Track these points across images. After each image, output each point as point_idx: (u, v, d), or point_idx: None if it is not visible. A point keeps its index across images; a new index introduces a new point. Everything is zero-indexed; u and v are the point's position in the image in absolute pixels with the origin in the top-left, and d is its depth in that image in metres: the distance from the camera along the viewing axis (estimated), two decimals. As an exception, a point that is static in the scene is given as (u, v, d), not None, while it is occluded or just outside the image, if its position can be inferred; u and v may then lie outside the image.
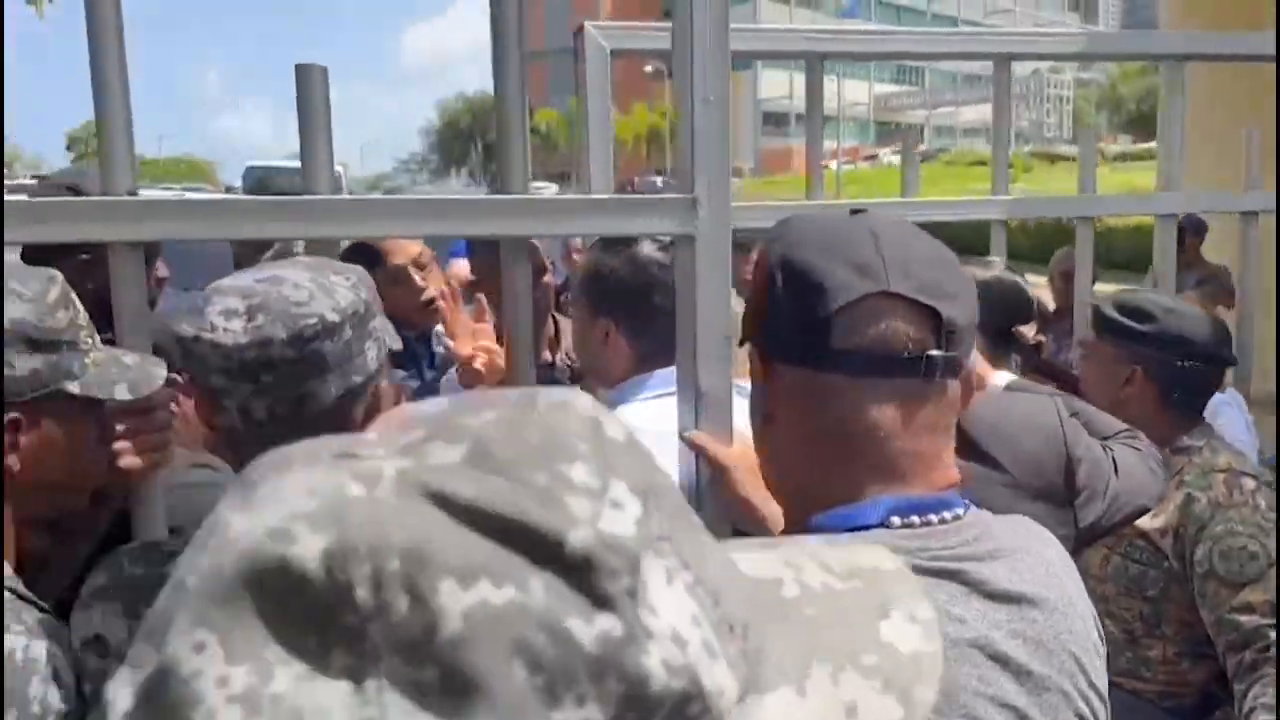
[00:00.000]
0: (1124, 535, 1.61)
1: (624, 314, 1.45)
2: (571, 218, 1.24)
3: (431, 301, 1.99)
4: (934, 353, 0.83)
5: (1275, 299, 2.06)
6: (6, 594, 0.98)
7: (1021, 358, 1.67)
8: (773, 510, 1.10)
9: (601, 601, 0.30)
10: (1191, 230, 4.19)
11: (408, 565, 0.29)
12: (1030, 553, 0.84)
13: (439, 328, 2.04)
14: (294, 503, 0.31)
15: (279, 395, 0.96)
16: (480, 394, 0.38)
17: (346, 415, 1.02)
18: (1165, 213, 2.05)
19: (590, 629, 0.29)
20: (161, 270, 1.90)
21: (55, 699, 0.92)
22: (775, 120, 60.54)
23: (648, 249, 1.46)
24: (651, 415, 1.36)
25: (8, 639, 0.93)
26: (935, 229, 1.01)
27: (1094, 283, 2.16)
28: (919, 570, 0.76)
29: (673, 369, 1.32)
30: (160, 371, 1.13)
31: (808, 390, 0.86)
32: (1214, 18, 5.39)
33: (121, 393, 1.06)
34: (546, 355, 2.08)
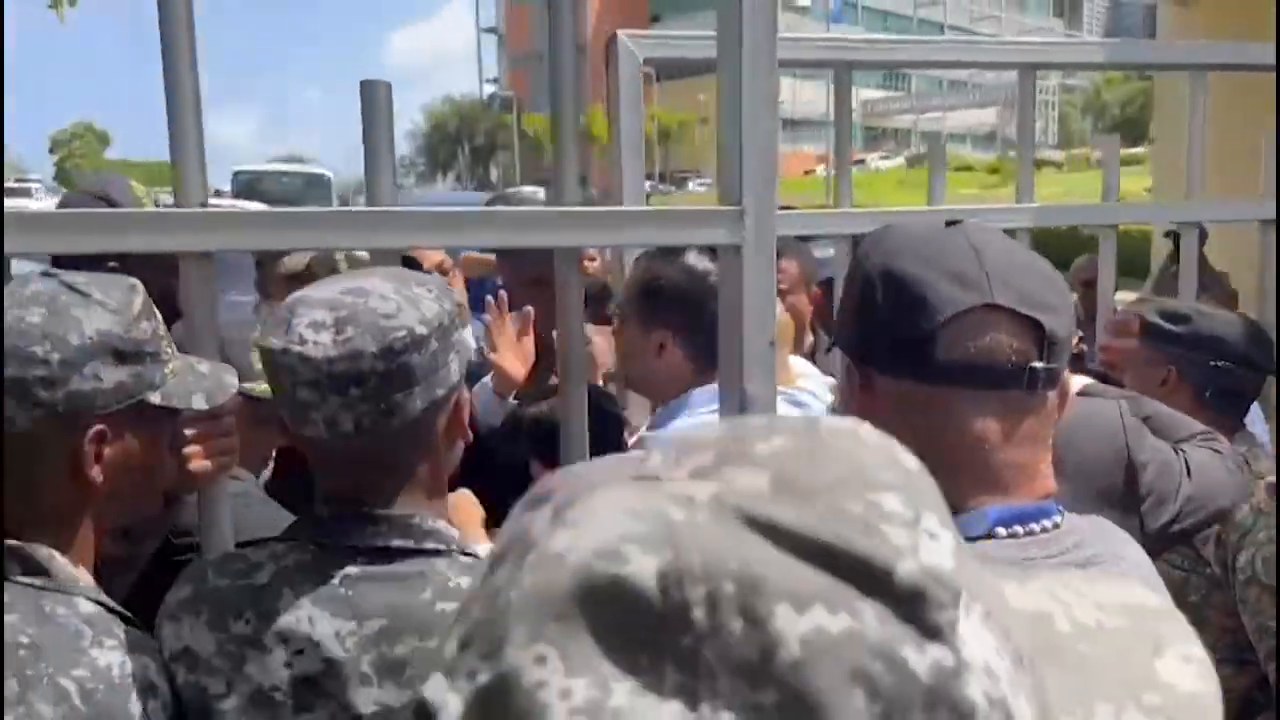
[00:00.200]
0: None
1: (681, 324, 1.47)
2: (622, 229, 1.27)
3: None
4: (1037, 365, 0.85)
5: (1275, 305, 2.10)
6: (100, 609, 1.00)
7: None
8: None
9: (931, 632, 0.30)
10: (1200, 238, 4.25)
11: (742, 589, 0.30)
12: (1122, 557, 0.87)
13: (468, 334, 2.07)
14: (620, 524, 0.32)
15: (366, 408, 0.97)
16: (750, 419, 0.38)
17: (430, 427, 1.03)
18: (1189, 220, 2.09)
19: (923, 659, 0.30)
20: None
21: (154, 712, 0.94)
22: (763, 125, 60.56)
23: (697, 259, 1.49)
24: None
25: (103, 654, 0.95)
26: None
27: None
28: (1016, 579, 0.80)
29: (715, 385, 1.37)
30: (233, 379, 1.15)
31: (910, 402, 0.87)
32: (1207, 28, 5.47)
33: (199, 402, 1.09)
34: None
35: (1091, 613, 0.41)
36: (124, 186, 1.82)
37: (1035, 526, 0.85)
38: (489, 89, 76.64)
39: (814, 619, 0.29)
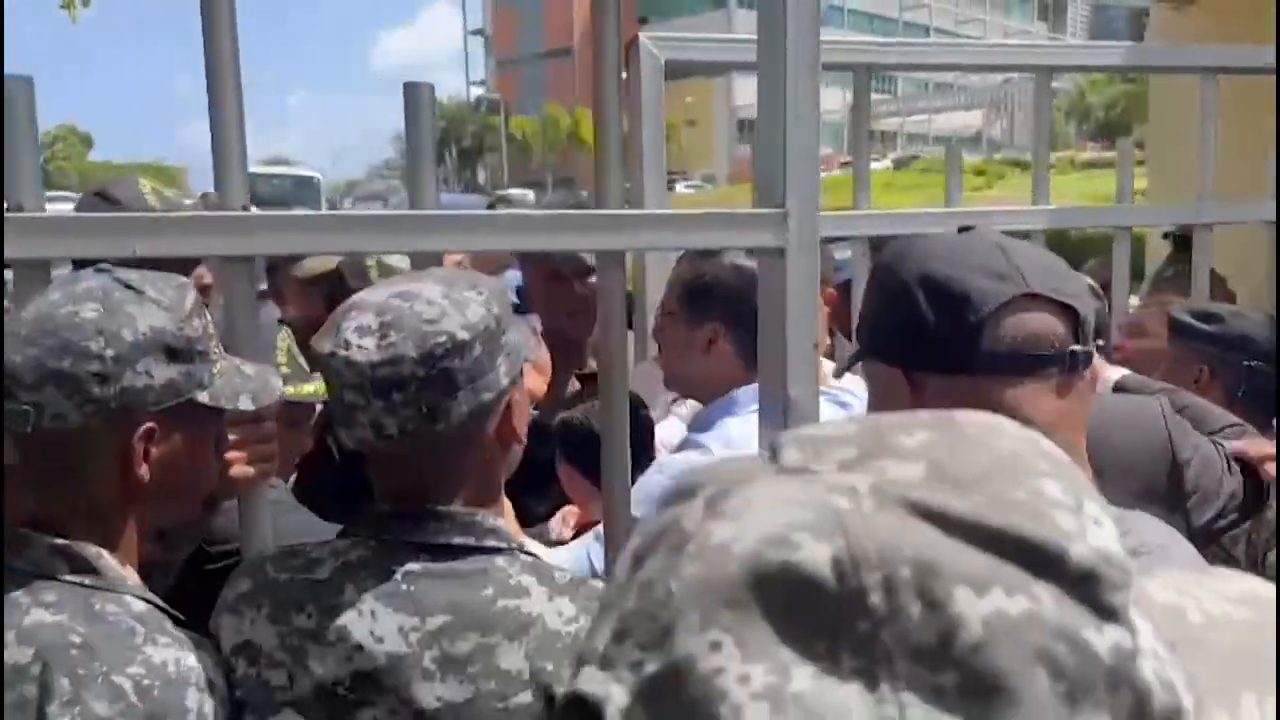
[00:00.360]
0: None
1: (732, 320, 1.47)
2: (665, 231, 1.27)
3: None
4: (1075, 347, 0.89)
5: (1274, 305, 2.12)
6: (150, 607, 0.99)
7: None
8: None
9: (1108, 614, 0.31)
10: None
11: (919, 573, 0.30)
12: (1167, 547, 0.90)
13: None
14: (786, 512, 0.32)
15: (409, 413, 0.97)
16: (881, 416, 0.39)
17: (479, 431, 1.03)
18: (1202, 222, 2.11)
19: (1104, 640, 0.31)
20: (206, 277, 1.91)
21: (210, 709, 0.93)
22: (750, 127, 60.84)
23: (741, 256, 1.49)
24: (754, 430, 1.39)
25: (157, 651, 0.94)
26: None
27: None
28: None
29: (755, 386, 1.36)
30: (278, 382, 1.14)
31: (961, 396, 0.89)
32: (1200, 31, 5.51)
33: (245, 403, 1.08)
34: (592, 364, 2.10)
35: (1219, 604, 0.42)
36: (132, 187, 1.80)
37: None
38: (476, 91, 76.59)
39: (993, 601, 0.30)
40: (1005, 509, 0.32)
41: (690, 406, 1.86)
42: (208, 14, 1.10)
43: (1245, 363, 1.69)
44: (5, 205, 1.07)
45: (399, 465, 1.03)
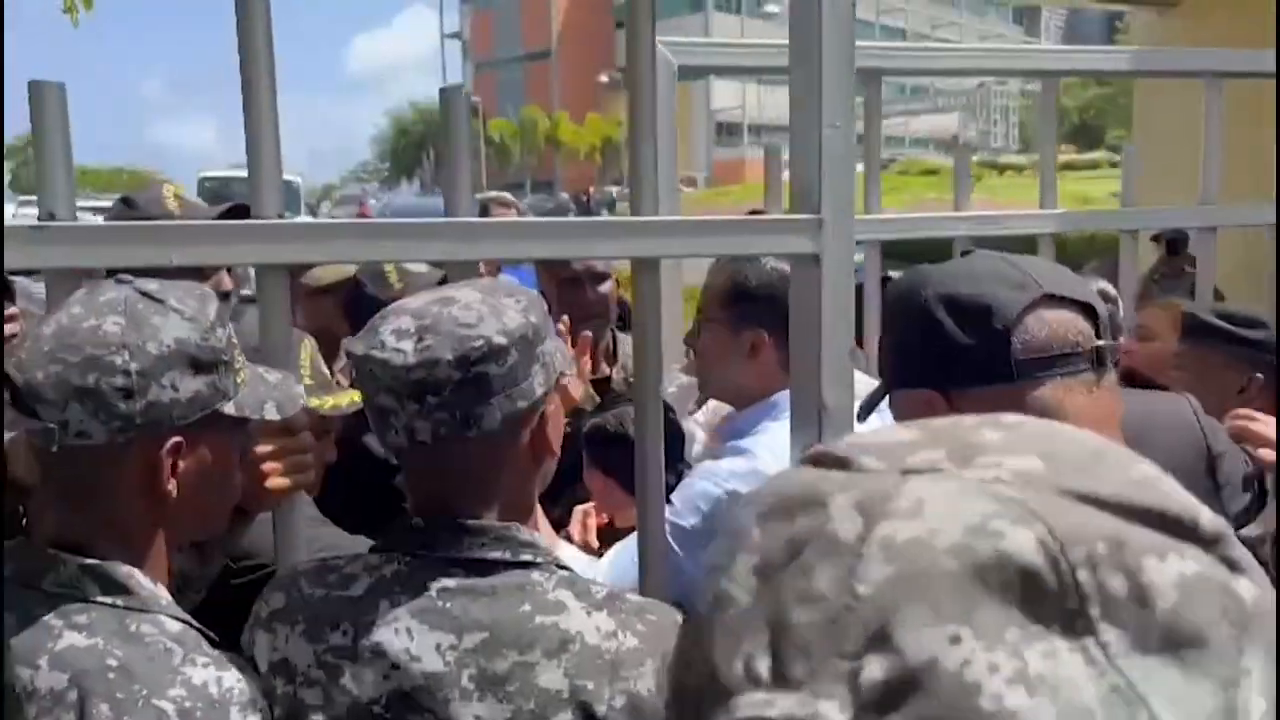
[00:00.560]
0: None
1: (777, 324, 1.47)
2: (700, 238, 1.26)
3: None
4: (1102, 342, 0.92)
5: (1275, 310, 2.14)
6: (185, 626, 0.97)
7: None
8: None
9: (1238, 568, 0.34)
10: (1182, 242, 4.31)
11: (1112, 548, 0.32)
12: None
13: None
14: (972, 504, 0.33)
15: (443, 416, 0.96)
16: (928, 421, 0.40)
17: (513, 440, 1.01)
18: (1206, 225, 2.13)
19: (1246, 590, 0.34)
20: (226, 283, 1.88)
21: None
22: (728, 131, 61.01)
23: (779, 260, 1.48)
24: None
25: (197, 672, 0.92)
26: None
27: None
28: None
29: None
30: (300, 390, 1.13)
31: (1001, 406, 0.89)
32: (1185, 35, 5.57)
33: (271, 412, 1.06)
34: (604, 369, 2.09)
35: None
36: (154, 194, 1.77)
37: None
38: (453, 94, 76.11)
39: (1174, 565, 0.33)
40: (1137, 488, 0.35)
41: (709, 413, 1.85)
42: (244, 26, 1.09)
43: None
44: (38, 214, 1.05)
45: (432, 473, 1.01)
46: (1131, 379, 1.88)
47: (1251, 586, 0.34)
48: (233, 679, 0.93)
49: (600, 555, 1.56)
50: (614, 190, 46.82)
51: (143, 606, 0.96)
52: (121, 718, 0.87)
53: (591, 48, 64.54)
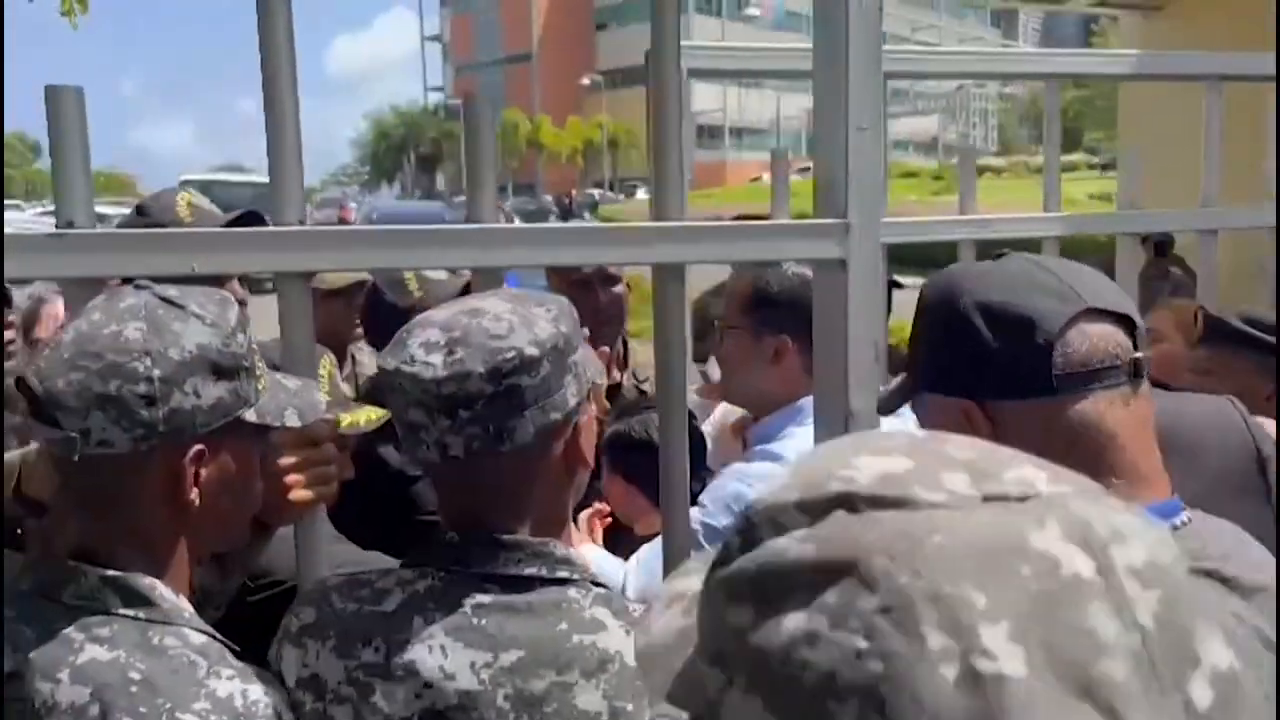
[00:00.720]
0: None
1: (802, 329, 1.45)
2: (725, 243, 1.25)
3: None
4: (1138, 354, 0.91)
5: (1275, 310, 2.14)
6: (209, 639, 0.95)
7: None
8: None
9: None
10: (1169, 243, 4.35)
11: None
12: (1247, 555, 0.91)
13: None
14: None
15: (475, 430, 0.94)
16: (926, 438, 0.43)
17: (545, 453, 0.99)
18: (1207, 228, 2.13)
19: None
20: (238, 292, 1.84)
21: None
22: (709, 134, 61.10)
23: (799, 265, 1.47)
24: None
25: (222, 685, 0.90)
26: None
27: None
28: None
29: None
30: (320, 396, 1.10)
31: (1040, 419, 0.91)
32: (1171, 37, 5.62)
33: (292, 419, 1.04)
34: (615, 375, 2.07)
35: None
36: (165, 200, 1.73)
37: (1174, 521, 0.90)
38: (434, 97, 76.15)
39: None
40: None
41: (714, 424, 1.84)
42: (265, 37, 1.07)
43: None
44: (55, 222, 1.03)
45: (463, 487, 0.99)
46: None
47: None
48: (258, 692, 0.91)
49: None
50: (596, 193, 46.87)
51: (165, 619, 0.94)
52: None
53: (572, 51, 64.52)
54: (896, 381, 1.14)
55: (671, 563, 1.28)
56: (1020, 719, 0.31)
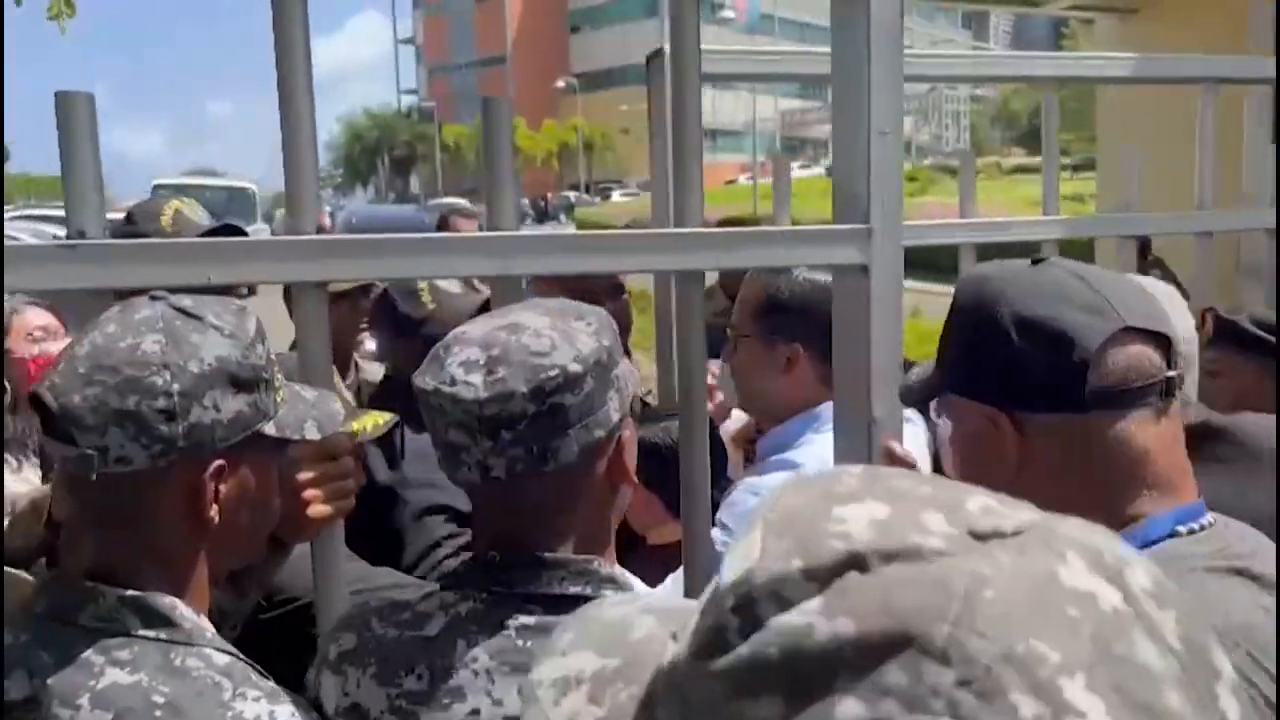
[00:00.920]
0: None
1: (814, 337, 1.43)
2: (745, 249, 1.23)
3: None
4: (1171, 373, 0.92)
5: (1275, 311, 2.16)
6: (233, 659, 0.92)
7: None
8: None
9: None
10: (1149, 245, 4.39)
11: None
12: (1266, 544, 0.92)
13: None
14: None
15: (519, 451, 0.91)
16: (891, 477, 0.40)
17: (589, 471, 0.96)
18: (1204, 230, 2.14)
19: None
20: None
21: None
22: (684, 135, 61.11)
23: (813, 270, 1.45)
24: None
25: (248, 707, 0.87)
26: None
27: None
28: (1217, 571, 0.86)
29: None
30: (339, 407, 1.08)
31: (1071, 433, 0.92)
32: (1150, 39, 5.67)
33: (311, 432, 1.01)
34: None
35: None
36: (149, 209, 1.69)
37: (1201, 523, 0.92)
38: (407, 100, 75.81)
39: None
40: None
41: (728, 424, 1.82)
42: (282, 43, 1.04)
43: None
44: (66, 232, 1.00)
45: (505, 508, 0.95)
46: None
47: None
48: (286, 713, 0.88)
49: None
50: (571, 195, 46.80)
51: (188, 639, 0.91)
52: None
53: (546, 54, 64.45)
54: (917, 373, 1.13)
55: (693, 572, 1.27)
56: None
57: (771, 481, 1.38)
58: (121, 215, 1.82)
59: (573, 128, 54.00)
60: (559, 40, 67.09)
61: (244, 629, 1.16)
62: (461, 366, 0.90)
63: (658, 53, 1.90)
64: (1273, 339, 1.72)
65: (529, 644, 0.91)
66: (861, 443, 1.26)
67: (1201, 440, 1.18)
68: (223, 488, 0.93)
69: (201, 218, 1.66)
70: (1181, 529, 0.90)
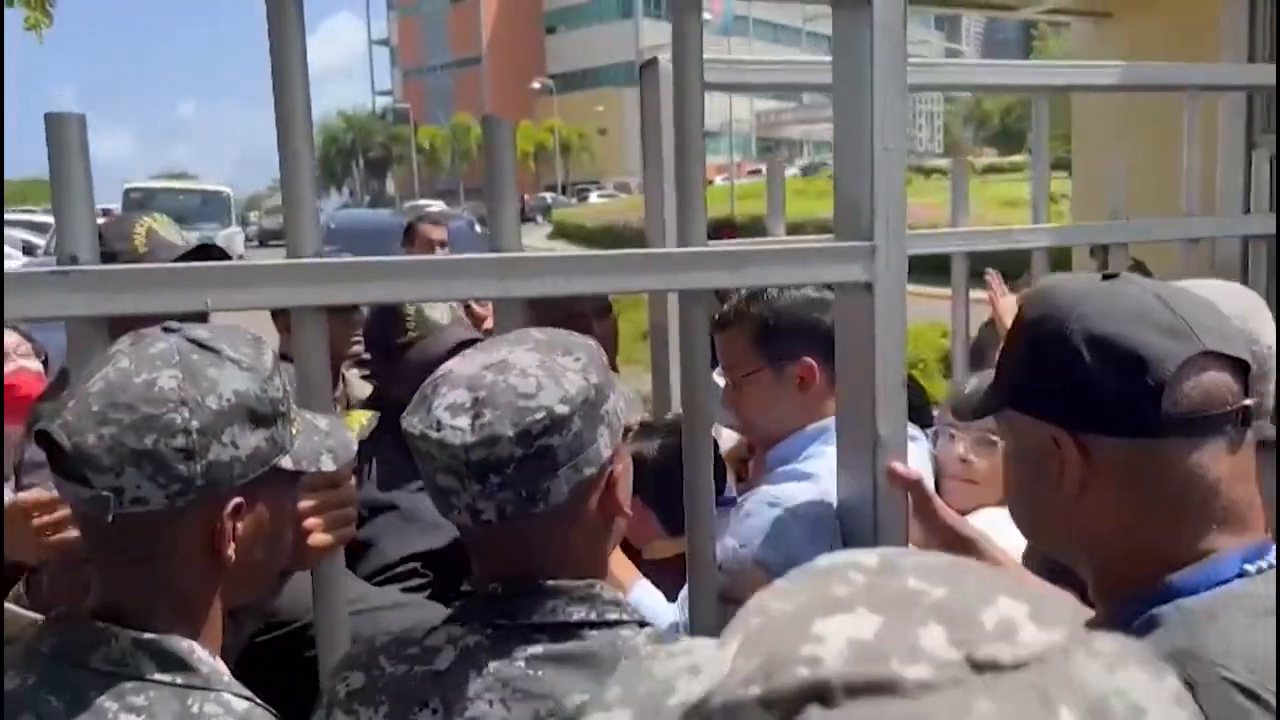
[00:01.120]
0: None
1: (813, 346, 1.41)
2: (749, 267, 1.22)
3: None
4: (1247, 401, 0.88)
5: (1275, 313, 2.18)
6: (251, 704, 0.89)
7: None
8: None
9: None
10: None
11: None
12: None
13: None
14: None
15: (508, 495, 0.90)
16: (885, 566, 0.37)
17: (580, 508, 0.94)
18: (1196, 237, 2.16)
19: None
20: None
21: None
22: (660, 136, 61.16)
23: (813, 288, 1.44)
24: None
25: None
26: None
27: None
28: None
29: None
30: (351, 436, 1.05)
31: (1140, 459, 0.88)
32: (1126, 44, 5.71)
33: (327, 463, 0.98)
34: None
35: None
36: (122, 228, 1.62)
37: (1270, 560, 0.87)
38: (381, 101, 75.38)
39: None
40: None
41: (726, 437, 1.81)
42: (280, 66, 1.02)
43: None
44: (58, 258, 0.97)
45: (498, 548, 0.95)
46: None
47: None
48: None
49: None
50: (549, 196, 46.62)
51: (205, 684, 0.88)
52: None
53: (522, 55, 64.29)
54: (973, 385, 1.09)
55: (697, 590, 1.25)
56: None
57: (785, 491, 1.36)
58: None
59: (549, 129, 53.87)
60: (534, 41, 66.95)
61: (243, 656, 1.14)
62: (448, 410, 0.89)
63: (651, 62, 1.89)
64: None
65: (539, 673, 0.89)
66: (866, 461, 1.25)
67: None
68: (239, 525, 0.90)
69: (174, 236, 1.61)
70: (1250, 567, 0.86)
